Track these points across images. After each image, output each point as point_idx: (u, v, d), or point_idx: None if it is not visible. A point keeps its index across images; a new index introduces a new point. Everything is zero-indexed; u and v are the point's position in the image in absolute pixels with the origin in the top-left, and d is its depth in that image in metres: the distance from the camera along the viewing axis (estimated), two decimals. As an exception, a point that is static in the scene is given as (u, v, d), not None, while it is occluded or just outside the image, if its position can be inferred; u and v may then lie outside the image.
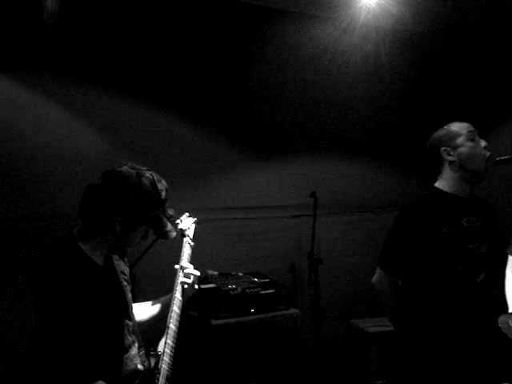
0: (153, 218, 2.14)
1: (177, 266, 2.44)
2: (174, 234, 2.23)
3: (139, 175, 2.11)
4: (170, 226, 2.21)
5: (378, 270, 3.17)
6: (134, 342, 2.23)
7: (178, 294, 2.37)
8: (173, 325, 2.27)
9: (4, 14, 3.47)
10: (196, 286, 2.45)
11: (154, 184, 2.13)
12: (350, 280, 5.00)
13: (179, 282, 2.40)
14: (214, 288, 3.92)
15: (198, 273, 2.44)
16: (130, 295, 2.31)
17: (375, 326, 4.49)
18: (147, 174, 2.14)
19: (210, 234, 4.08)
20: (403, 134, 5.26)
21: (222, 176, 4.44)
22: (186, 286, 2.40)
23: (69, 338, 1.94)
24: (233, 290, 3.93)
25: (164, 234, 2.20)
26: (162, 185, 2.17)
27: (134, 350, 2.22)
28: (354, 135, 5.07)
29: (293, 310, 4.11)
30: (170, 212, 2.54)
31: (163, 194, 2.16)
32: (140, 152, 3.75)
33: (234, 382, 3.83)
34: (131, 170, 2.12)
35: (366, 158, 5.18)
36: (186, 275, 2.42)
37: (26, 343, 3.39)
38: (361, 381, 4.72)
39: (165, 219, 2.20)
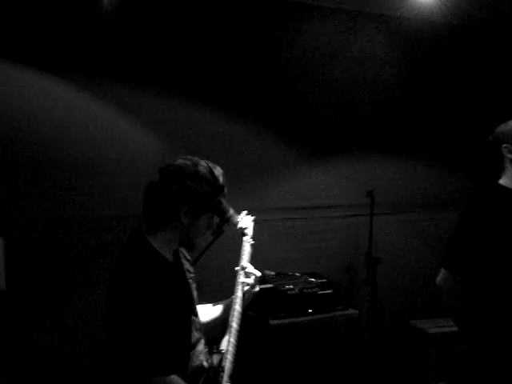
0: (215, 204, 2.17)
1: (237, 268, 2.45)
2: (237, 218, 2.29)
3: (195, 164, 2.14)
4: (232, 211, 2.26)
5: (443, 270, 3.11)
6: (200, 339, 2.25)
7: (239, 293, 2.38)
8: (235, 323, 2.28)
9: (60, 19, 3.54)
10: (257, 287, 2.46)
11: (210, 171, 2.15)
12: (409, 280, 4.93)
13: (240, 282, 2.40)
14: (271, 288, 3.91)
15: (258, 273, 2.44)
16: (195, 293, 2.33)
17: (436, 326, 4.40)
18: (202, 162, 2.17)
19: (267, 235, 4.08)
20: (461, 131, 5.15)
21: (279, 176, 4.43)
22: (246, 287, 2.41)
23: (142, 332, 1.97)
24: (290, 290, 3.92)
25: (227, 219, 2.24)
26: (219, 171, 2.19)
27: (201, 347, 2.24)
28: (411, 134, 4.99)
29: (351, 311, 4.06)
30: (236, 218, 2.56)
31: (221, 179, 2.18)
32: (195, 153, 3.77)
33: (292, 382, 3.81)
34: (186, 161, 2.15)
35: (424, 156, 5.09)
36: (247, 275, 2.43)
37: (99, 337, 3.45)
38: (421, 382, 4.64)
39: (226, 205, 2.23)
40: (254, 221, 2.70)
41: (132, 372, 2.03)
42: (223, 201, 2.21)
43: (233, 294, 2.39)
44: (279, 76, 4.42)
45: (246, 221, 2.64)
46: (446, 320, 4.07)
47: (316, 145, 4.60)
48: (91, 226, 3.67)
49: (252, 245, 2.56)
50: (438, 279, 3.11)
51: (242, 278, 2.41)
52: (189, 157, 2.19)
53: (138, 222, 2.24)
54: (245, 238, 2.57)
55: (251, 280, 2.42)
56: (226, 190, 2.22)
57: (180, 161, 2.16)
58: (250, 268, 2.45)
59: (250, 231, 2.61)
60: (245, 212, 2.72)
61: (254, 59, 4.30)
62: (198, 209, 2.13)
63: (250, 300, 2.46)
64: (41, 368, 3.49)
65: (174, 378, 2.00)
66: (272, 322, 3.76)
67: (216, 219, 2.26)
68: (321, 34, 4.55)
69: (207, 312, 2.49)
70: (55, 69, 3.54)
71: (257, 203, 4.10)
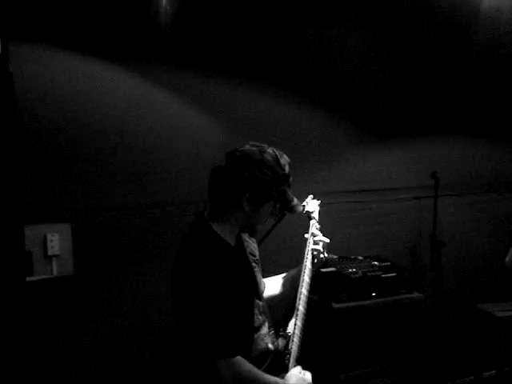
0: (279, 193, 2.16)
1: (307, 235, 2.46)
2: (300, 208, 2.27)
3: (261, 152, 2.13)
4: (296, 201, 2.24)
5: (511, 250, 3.04)
6: (264, 322, 2.26)
7: (308, 263, 2.39)
8: (301, 306, 2.29)
9: (121, 7, 3.57)
10: (326, 254, 2.45)
11: (276, 159, 2.14)
12: (475, 263, 4.83)
13: (309, 249, 2.40)
14: (334, 272, 3.89)
15: (327, 239, 2.44)
16: (259, 276, 2.34)
17: (504, 310, 4.30)
18: (269, 149, 2.16)
19: (329, 218, 4.03)
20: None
21: (341, 159, 4.39)
22: (315, 253, 2.41)
23: (206, 316, 2.00)
24: (353, 273, 3.88)
25: (291, 209, 2.23)
26: (285, 159, 2.19)
27: (265, 330, 2.25)
28: (475, 114, 4.86)
29: (415, 294, 3.98)
30: (299, 208, 2.55)
31: (286, 168, 2.17)
32: (258, 138, 3.77)
33: (357, 366, 3.79)
34: (253, 148, 2.15)
35: (489, 136, 4.95)
36: (316, 242, 2.42)
37: (164, 322, 3.51)
38: (488, 366, 4.55)
39: (290, 194, 2.21)
40: (320, 205, 2.69)
41: (197, 355, 2.05)
42: (287, 190, 2.20)
43: (300, 264, 2.40)
44: (343, 61, 4.35)
45: (312, 205, 2.64)
46: (514, 303, 3.99)
47: (380, 127, 4.53)
48: (156, 212, 3.71)
49: (318, 228, 2.55)
50: (508, 259, 3.05)
51: (310, 246, 2.43)
52: (257, 143, 2.19)
53: (201, 208, 2.26)
54: (311, 222, 2.57)
55: (320, 247, 2.43)
56: (291, 180, 2.20)
57: (247, 147, 2.16)
58: (319, 236, 2.46)
59: (316, 215, 2.61)
60: (311, 196, 2.71)
61: (319, 44, 4.24)
62: (260, 197, 2.13)
63: (317, 268, 2.47)
64: (107, 352, 3.57)
65: (239, 359, 2.02)
66: (335, 305, 3.74)
67: (278, 208, 2.25)
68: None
69: (275, 285, 2.50)
70: (118, 58, 3.57)
71: (320, 186, 4.06)
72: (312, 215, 2.58)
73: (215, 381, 2.00)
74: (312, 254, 2.42)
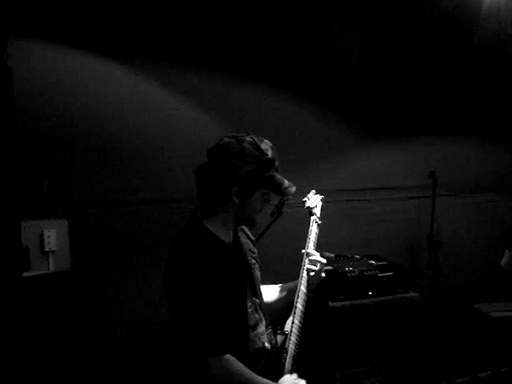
0: (267, 179, 2.12)
1: (303, 251, 2.42)
2: (293, 189, 2.19)
3: (240, 141, 2.09)
4: (287, 183, 2.18)
5: (508, 252, 3.05)
6: (261, 320, 2.24)
7: (304, 274, 2.36)
8: (300, 305, 2.27)
9: (122, 4, 3.57)
10: (323, 274, 2.42)
11: (256, 146, 2.09)
12: (472, 263, 4.83)
13: (305, 267, 2.37)
14: (331, 270, 3.89)
15: (324, 260, 2.40)
16: (258, 273, 2.32)
17: (500, 310, 4.30)
18: (247, 138, 2.11)
19: (327, 216, 4.03)
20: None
21: (338, 157, 4.39)
22: (311, 274, 2.38)
23: (196, 314, 1.99)
24: (350, 272, 3.89)
25: (282, 192, 2.17)
26: (266, 144, 2.14)
27: (262, 328, 2.23)
28: (473, 114, 4.87)
29: (412, 294, 3.99)
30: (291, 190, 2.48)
31: (269, 152, 2.12)
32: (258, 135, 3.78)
33: (352, 365, 3.79)
34: (231, 140, 2.10)
35: (487, 137, 4.96)
36: (313, 263, 2.39)
37: (160, 317, 3.51)
38: (484, 367, 4.55)
39: (280, 177, 2.17)
40: (324, 199, 2.66)
41: (188, 353, 2.04)
42: (275, 174, 2.16)
43: (298, 275, 2.37)
44: (341, 58, 4.35)
45: (313, 200, 2.61)
46: (510, 304, 3.98)
47: (378, 126, 4.53)
48: (152, 209, 3.72)
49: (319, 225, 2.52)
50: (503, 261, 3.07)
51: (307, 264, 2.39)
52: (234, 134, 2.14)
53: (196, 205, 2.25)
54: (312, 218, 2.54)
55: (317, 267, 2.39)
56: (277, 163, 2.16)
57: (225, 139, 2.12)
58: (316, 256, 2.41)
59: (317, 211, 2.57)
60: (313, 191, 2.68)
61: (317, 42, 4.24)
62: (248, 187, 2.09)
63: (315, 285, 2.44)
64: (103, 346, 3.57)
65: (229, 358, 2.00)
66: (332, 304, 3.74)
67: (271, 194, 2.21)
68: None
69: (271, 292, 2.48)
70: (115, 54, 3.57)
71: (318, 184, 4.03)
72: (313, 211, 2.55)
73: (205, 378, 1.99)
74: (308, 274, 2.38)
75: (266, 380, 2.08)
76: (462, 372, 4.69)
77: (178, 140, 3.78)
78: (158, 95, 3.73)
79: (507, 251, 3.02)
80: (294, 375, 2.20)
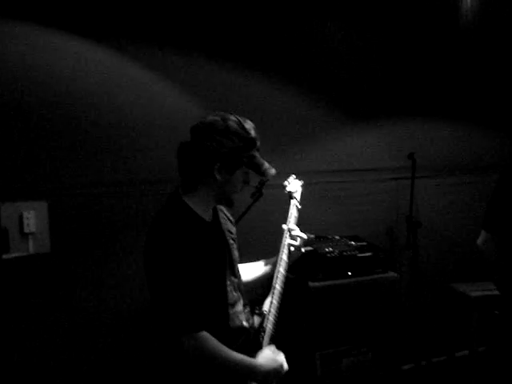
0: (248, 158, 2.16)
1: (284, 227, 2.45)
2: (272, 171, 2.22)
3: (225, 119, 2.13)
4: (267, 164, 2.21)
5: (483, 233, 3.10)
6: (239, 299, 2.26)
7: (284, 256, 2.38)
8: (278, 285, 2.29)
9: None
10: (303, 249, 2.46)
11: (241, 125, 2.13)
12: (450, 243, 4.89)
13: (286, 243, 2.40)
14: (310, 251, 3.90)
15: (304, 236, 2.44)
16: (236, 253, 2.34)
17: (477, 290, 4.36)
18: (232, 116, 2.15)
19: (306, 198, 4.05)
20: (504, 94, 5.08)
21: (318, 139, 4.39)
22: (292, 249, 2.41)
23: (172, 291, 2.00)
24: (330, 252, 3.91)
25: (263, 172, 2.20)
26: (249, 124, 2.18)
27: (240, 307, 2.25)
28: (453, 97, 4.89)
29: (391, 274, 4.03)
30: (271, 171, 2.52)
31: (252, 132, 2.16)
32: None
33: (332, 344, 3.83)
34: (216, 117, 2.14)
35: (466, 119, 5.00)
36: (293, 237, 2.42)
37: (142, 297, 3.52)
38: (461, 346, 4.62)
39: (260, 158, 2.21)
40: (304, 184, 2.69)
41: (164, 330, 2.06)
42: (257, 154, 2.19)
43: (277, 254, 2.39)
44: (319, 38, 4.34)
45: (294, 185, 2.64)
46: (487, 283, 4.03)
47: (358, 108, 4.54)
48: (132, 190, 3.71)
49: (299, 209, 2.55)
50: (479, 241, 3.12)
51: (287, 240, 2.42)
52: (219, 112, 2.17)
53: (177, 183, 2.26)
54: (292, 202, 2.57)
55: (297, 242, 2.43)
56: (258, 144, 2.20)
57: (210, 117, 2.15)
58: (297, 230, 2.45)
59: (298, 195, 2.61)
60: (293, 176, 2.71)
61: (296, 24, 4.22)
62: (231, 164, 2.12)
63: (294, 264, 2.47)
64: (83, 327, 3.57)
65: (204, 335, 2.01)
66: (311, 284, 3.77)
67: (251, 174, 2.24)
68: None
69: (251, 270, 2.50)
70: (94, 34, 3.54)
71: (297, 166, 4.08)
72: (294, 195, 2.58)
73: (180, 356, 2.02)
74: (289, 248, 2.40)
75: (242, 355, 2.10)
76: (440, 351, 4.76)
77: (156, 120, 3.76)
78: (135, 74, 3.70)
79: (483, 231, 3.06)
80: (273, 347, 2.23)
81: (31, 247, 3.44)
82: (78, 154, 3.55)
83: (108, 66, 3.61)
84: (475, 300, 4.29)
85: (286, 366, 2.22)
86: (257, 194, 3.06)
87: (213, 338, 2.02)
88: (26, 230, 3.41)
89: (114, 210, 3.66)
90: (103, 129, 3.62)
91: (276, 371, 2.17)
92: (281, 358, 2.21)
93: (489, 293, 4.12)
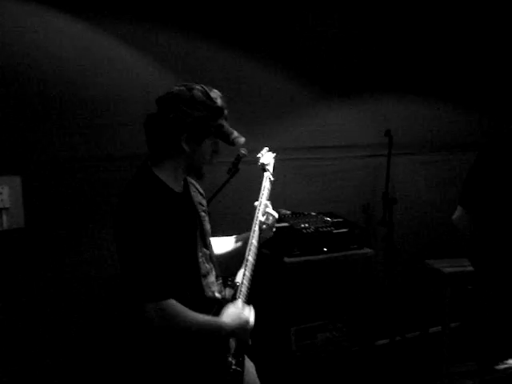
0: (216, 128, 2.15)
1: (256, 203, 2.44)
2: (242, 139, 2.21)
3: (190, 89, 2.12)
4: (236, 133, 2.21)
5: (459, 208, 3.14)
6: (211, 270, 2.26)
7: (256, 228, 2.38)
8: (251, 257, 2.30)
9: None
10: (274, 229, 2.46)
11: (206, 94, 2.12)
12: (425, 220, 4.94)
13: (257, 221, 2.40)
14: (286, 227, 3.93)
15: (276, 214, 2.43)
16: (208, 226, 2.33)
17: (451, 266, 4.39)
18: (197, 86, 2.14)
19: (283, 174, 4.06)
20: (480, 72, 5.12)
21: (295, 115, 4.38)
22: (264, 227, 2.41)
23: (138, 259, 1.99)
24: (305, 228, 3.93)
25: (232, 142, 2.20)
26: (215, 93, 2.17)
27: (212, 278, 2.25)
28: (430, 74, 4.91)
29: (366, 250, 4.06)
30: (243, 151, 2.54)
31: (218, 101, 2.15)
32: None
33: (307, 320, 3.86)
34: (181, 87, 2.13)
35: (443, 97, 5.02)
36: (265, 215, 2.42)
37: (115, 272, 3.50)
38: (434, 322, 4.67)
39: (229, 127, 2.20)
40: (275, 158, 2.69)
41: (129, 298, 2.06)
42: (225, 123, 2.18)
43: (250, 229, 2.39)
44: (296, 12, 4.30)
45: (267, 157, 2.64)
46: (461, 260, 4.07)
47: (334, 84, 4.53)
48: (107, 165, 3.68)
49: (272, 181, 2.56)
50: (454, 217, 3.16)
51: (260, 217, 2.41)
52: (184, 83, 2.16)
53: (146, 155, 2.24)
54: (265, 174, 2.57)
55: (269, 221, 2.42)
56: (226, 113, 2.19)
57: (175, 88, 2.14)
58: (269, 208, 2.44)
59: (270, 167, 2.61)
60: (266, 148, 2.71)
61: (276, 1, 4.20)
62: (198, 134, 2.11)
63: (266, 239, 2.47)
64: (57, 304, 3.56)
65: (170, 302, 2.00)
66: (287, 259, 3.79)
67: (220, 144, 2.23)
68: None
69: (222, 244, 2.50)
70: (67, 6, 3.48)
71: (274, 142, 4.04)
72: (267, 167, 2.59)
73: (146, 324, 2.01)
74: (260, 227, 2.40)
75: (208, 317, 2.10)
76: (414, 327, 4.81)
77: (132, 96, 3.72)
78: (111, 48, 3.66)
79: (459, 207, 3.10)
80: (238, 302, 2.21)
81: (5, 222, 3.40)
82: (51, 129, 3.50)
83: (82, 39, 3.56)
84: (449, 276, 4.32)
85: (252, 320, 2.20)
86: (233, 170, 3.06)
87: (180, 305, 2.01)
88: (0, 206, 3.37)
89: (89, 185, 3.63)
90: (77, 104, 3.57)
91: (242, 327, 2.16)
92: (246, 313, 2.19)
93: (462, 269, 4.15)
